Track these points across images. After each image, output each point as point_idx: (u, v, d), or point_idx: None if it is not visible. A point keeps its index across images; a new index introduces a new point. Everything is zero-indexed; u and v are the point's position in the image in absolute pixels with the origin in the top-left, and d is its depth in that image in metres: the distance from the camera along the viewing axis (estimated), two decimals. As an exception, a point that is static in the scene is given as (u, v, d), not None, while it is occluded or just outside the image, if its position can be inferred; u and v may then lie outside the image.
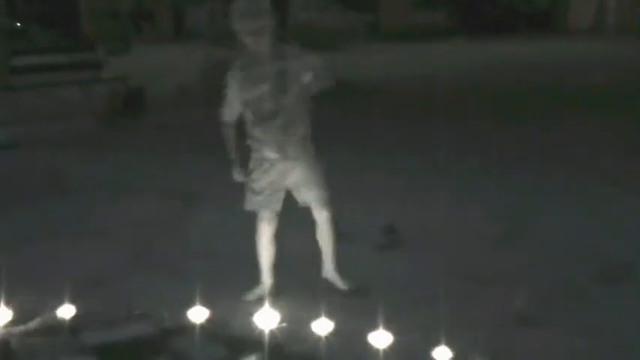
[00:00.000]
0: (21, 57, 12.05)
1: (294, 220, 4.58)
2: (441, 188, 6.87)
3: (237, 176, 4.44)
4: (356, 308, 4.29)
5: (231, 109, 4.33)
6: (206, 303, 4.14)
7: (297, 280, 4.60)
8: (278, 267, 4.59)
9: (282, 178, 4.35)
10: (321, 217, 4.46)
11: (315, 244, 4.63)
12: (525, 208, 6.36)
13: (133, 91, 11.91)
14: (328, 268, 4.61)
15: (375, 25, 28.79)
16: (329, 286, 4.58)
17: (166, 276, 4.93)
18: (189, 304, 4.14)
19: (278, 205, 4.43)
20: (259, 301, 4.24)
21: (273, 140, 4.25)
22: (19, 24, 20.94)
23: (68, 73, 11.74)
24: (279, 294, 4.49)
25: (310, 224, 4.59)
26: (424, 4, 29.51)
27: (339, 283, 4.57)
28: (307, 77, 4.13)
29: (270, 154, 4.29)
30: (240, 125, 4.38)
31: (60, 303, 4.22)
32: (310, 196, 4.41)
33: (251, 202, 4.44)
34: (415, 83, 15.38)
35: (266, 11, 4.08)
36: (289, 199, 4.49)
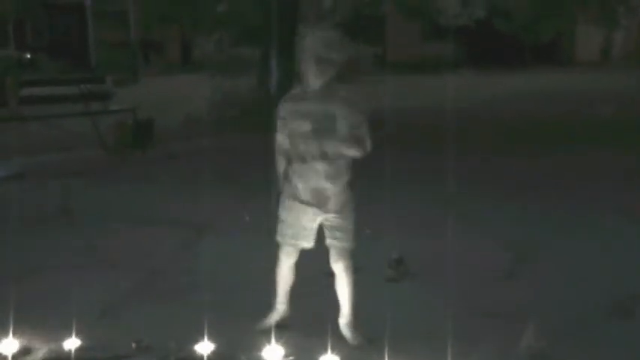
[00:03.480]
0: (30, 88, 12.13)
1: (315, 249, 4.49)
2: (449, 220, 6.85)
3: (282, 184, 4.31)
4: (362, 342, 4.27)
5: (282, 137, 4.23)
6: (213, 335, 4.13)
7: (306, 312, 4.57)
8: (291, 296, 4.54)
9: (312, 220, 4.23)
10: (337, 267, 4.29)
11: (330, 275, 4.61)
12: (534, 241, 6.33)
13: (141, 122, 11.96)
14: (342, 319, 4.39)
15: (382, 56, 28.96)
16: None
17: (173, 307, 4.91)
18: (196, 336, 4.12)
19: (305, 243, 4.30)
20: (266, 334, 4.21)
21: (309, 185, 4.15)
22: (28, 55, 21.14)
23: (77, 105, 11.81)
24: (288, 325, 4.47)
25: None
26: (431, 36, 29.67)
27: (349, 338, 4.33)
28: (345, 131, 4.03)
29: (305, 197, 4.18)
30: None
31: (66, 334, 4.21)
32: (332, 242, 4.25)
33: (278, 232, 4.35)
34: (422, 115, 15.42)
35: (344, 46, 4.06)
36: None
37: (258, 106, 14.53)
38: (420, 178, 8.94)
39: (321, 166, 4.10)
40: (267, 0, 16.03)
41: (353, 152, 4.10)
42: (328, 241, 4.28)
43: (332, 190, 4.15)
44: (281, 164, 4.30)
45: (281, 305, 4.52)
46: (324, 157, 4.08)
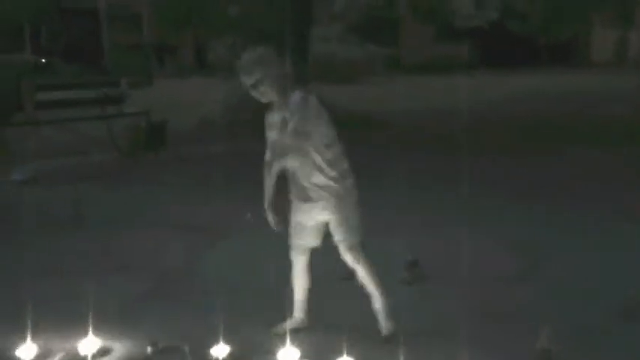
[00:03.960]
0: (45, 92, 12.17)
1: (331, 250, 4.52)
2: (461, 223, 6.85)
3: (270, 220, 4.38)
4: (377, 344, 4.28)
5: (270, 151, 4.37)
6: (227, 338, 4.14)
7: (322, 314, 4.58)
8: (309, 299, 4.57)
9: (310, 217, 4.32)
10: (347, 260, 4.36)
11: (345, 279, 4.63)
12: (545, 244, 6.32)
13: (155, 125, 12.01)
14: (376, 304, 4.45)
15: (395, 57, 28.95)
16: (354, 323, 4.53)
17: (188, 311, 4.93)
18: (211, 339, 4.14)
19: (310, 241, 4.40)
20: (281, 337, 4.23)
21: (292, 185, 4.31)
22: (43, 59, 21.24)
23: (91, 108, 11.85)
24: (304, 328, 4.49)
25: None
26: (444, 38, 29.64)
27: (381, 326, 4.42)
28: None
29: (292, 196, 4.35)
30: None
31: (82, 337, 4.24)
32: (336, 237, 4.33)
33: (290, 233, 4.45)
34: (435, 116, 15.40)
35: (259, 65, 4.14)
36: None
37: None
38: (433, 179, 8.94)
39: (295, 169, 4.23)
40: (280, 3, 16.06)
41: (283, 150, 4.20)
42: (334, 238, 4.36)
43: (311, 187, 4.23)
44: (266, 173, 4.36)
45: (298, 313, 4.56)
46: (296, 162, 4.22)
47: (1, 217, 7.76)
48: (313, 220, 4.33)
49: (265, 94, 4.21)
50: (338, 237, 4.32)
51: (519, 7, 22.46)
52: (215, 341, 4.13)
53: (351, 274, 5.17)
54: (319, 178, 4.21)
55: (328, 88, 15.83)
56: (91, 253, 6.36)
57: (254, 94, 4.22)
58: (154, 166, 10.69)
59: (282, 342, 4.10)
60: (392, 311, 4.41)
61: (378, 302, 4.42)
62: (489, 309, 4.85)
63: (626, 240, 6.40)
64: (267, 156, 4.35)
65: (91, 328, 4.26)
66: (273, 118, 4.28)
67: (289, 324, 4.49)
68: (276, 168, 4.23)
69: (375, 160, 9.87)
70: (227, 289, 5.17)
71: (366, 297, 4.48)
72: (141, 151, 11.22)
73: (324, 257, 4.49)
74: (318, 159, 4.18)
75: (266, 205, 4.34)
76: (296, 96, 4.19)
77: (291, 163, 4.20)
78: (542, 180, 9.11)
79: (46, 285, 5.46)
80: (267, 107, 4.38)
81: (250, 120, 14.38)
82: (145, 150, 11.26)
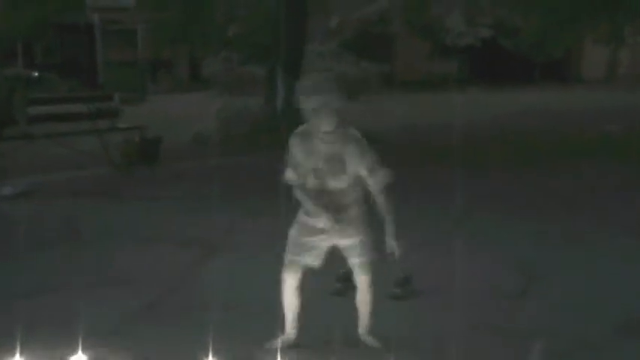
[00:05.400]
0: (38, 106, 12.18)
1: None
2: (457, 238, 6.83)
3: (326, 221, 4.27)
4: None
5: (296, 174, 4.29)
6: (221, 355, 4.11)
7: (313, 332, 4.56)
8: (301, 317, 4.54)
9: (324, 242, 4.33)
10: (362, 282, 4.40)
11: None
12: (544, 259, 6.31)
13: (148, 141, 12.00)
14: (361, 329, 4.52)
15: (389, 74, 29.02)
16: (344, 340, 4.53)
17: (182, 326, 4.90)
18: (204, 355, 4.11)
19: (311, 260, 4.37)
20: (272, 353, 4.20)
21: (319, 214, 4.23)
22: (36, 73, 21.25)
23: (85, 123, 11.84)
24: (296, 345, 4.46)
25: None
26: (439, 54, 29.77)
27: (372, 343, 4.47)
28: (362, 172, 4.21)
29: (315, 222, 4.26)
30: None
31: (74, 353, 4.20)
32: (353, 261, 4.37)
33: (288, 250, 4.41)
34: (429, 132, 15.42)
35: (327, 91, 4.11)
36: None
37: (266, 123, 14.59)
38: (427, 195, 8.93)
39: (326, 199, 4.22)
40: (275, 19, 16.13)
41: (378, 186, 4.27)
42: (349, 260, 4.38)
43: (340, 219, 4.23)
44: (304, 195, 4.31)
45: (292, 330, 4.53)
46: (328, 192, 4.21)
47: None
48: (326, 242, 4.33)
49: (323, 120, 4.12)
50: (355, 259, 4.35)
51: (511, 23, 22.60)
52: (206, 357, 4.10)
53: (339, 290, 5.20)
54: (349, 212, 4.26)
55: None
56: (84, 268, 6.32)
57: (313, 118, 4.13)
58: (147, 181, 10.66)
59: (273, 358, 4.08)
60: (375, 330, 4.47)
61: (363, 327, 4.49)
62: (487, 325, 4.83)
63: (628, 255, 6.42)
64: (295, 178, 4.28)
65: (80, 345, 4.22)
66: (316, 146, 4.19)
67: (282, 341, 4.47)
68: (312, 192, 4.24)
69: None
70: (221, 304, 5.15)
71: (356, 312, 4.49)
72: (135, 166, 11.19)
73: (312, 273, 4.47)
74: (350, 189, 4.24)
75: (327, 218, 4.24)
76: (351, 129, 4.26)
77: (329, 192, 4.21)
78: (542, 195, 9.11)
79: (39, 300, 5.42)
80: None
81: (244, 134, 14.45)
82: (139, 165, 11.23)
